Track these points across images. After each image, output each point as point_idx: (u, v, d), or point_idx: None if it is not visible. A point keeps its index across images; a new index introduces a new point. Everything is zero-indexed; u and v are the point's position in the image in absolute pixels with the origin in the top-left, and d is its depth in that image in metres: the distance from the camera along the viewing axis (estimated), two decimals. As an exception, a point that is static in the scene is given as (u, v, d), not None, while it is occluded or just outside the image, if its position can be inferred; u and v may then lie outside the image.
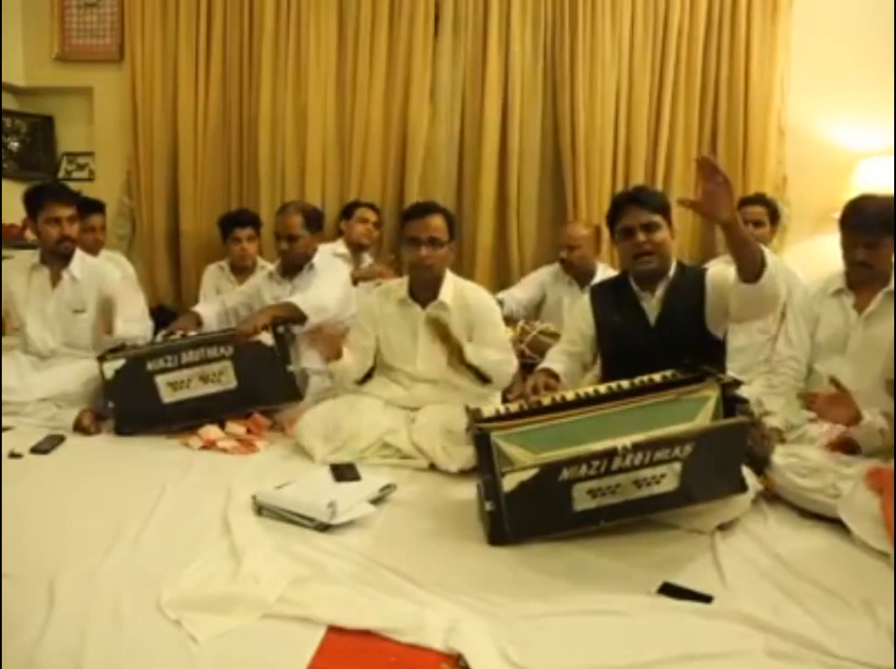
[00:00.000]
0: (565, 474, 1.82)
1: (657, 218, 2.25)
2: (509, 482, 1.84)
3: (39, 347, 3.00)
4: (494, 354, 2.59)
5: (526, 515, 1.88)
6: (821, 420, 2.21)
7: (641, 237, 2.24)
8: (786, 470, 2.10)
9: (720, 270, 2.37)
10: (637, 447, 1.80)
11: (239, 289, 3.33)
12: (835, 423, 2.13)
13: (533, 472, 1.83)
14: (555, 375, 2.30)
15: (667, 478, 1.83)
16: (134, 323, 3.00)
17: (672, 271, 2.31)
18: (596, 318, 2.42)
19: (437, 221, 2.59)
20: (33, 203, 2.94)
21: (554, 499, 1.85)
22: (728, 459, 1.89)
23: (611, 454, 1.80)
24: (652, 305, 2.31)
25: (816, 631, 1.50)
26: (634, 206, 2.26)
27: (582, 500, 1.85)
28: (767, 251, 2.09)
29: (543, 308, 3.64)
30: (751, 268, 1.98)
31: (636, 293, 2.34)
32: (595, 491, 1.84)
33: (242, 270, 3.66)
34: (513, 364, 2.67)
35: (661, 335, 2.27)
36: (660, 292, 2.30)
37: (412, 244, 2.59)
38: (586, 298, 2.50)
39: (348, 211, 3.82)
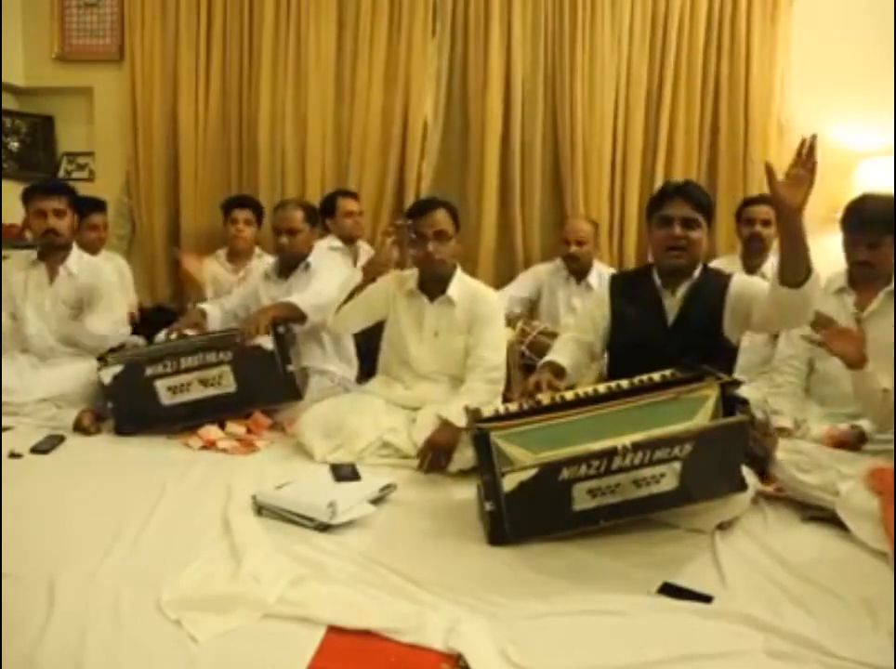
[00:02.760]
0: (565, 474, 1.82)
1: (698, 216, 2.22)
2: (509, 482, 1.84)
3: (37, 344, 2.99)
4: (470, 398, 2.44)
5: (526, 515, 1.87)
6: (827, 350, 2.10)
7: (678, 230, 2.20)
8: (788, 465, 2.11)
9: (746, 278, 2.36)
10: (637, 447, 1.80)
11: (235, 291, 3.32)
12: (840, 356, 2.06)
13: (532, 472, 1.83)
14: (560, 370, 2.28)
15: (667, 478, 1.83)
16: (107, 325, 3.01)
17: (697, 273, 2.28)
18: (613, 308, 2.39)
19: (442, 215, 2.59)
20: (26, 198, 2.98)
21: (554, 499, 1.85)
22: (727, 458, 1.89)
23: (610, 454, 1.80)
24: (672, 303, 2.28)
25: (816, 631, 1.50)
26: (679, 198, 2.22)
27: (582, 500, 1.85)
28: None
29: (539, 303, 3.65)
30: (798, 270, 1.92)
31: (658, 289, 2.31)
32: (595, 491, 1.84)
33: (238, 256, 3.65)
34: (495, 379, 2.60)
35: (677, 336, 2.23)
36: (682, 291, 2.27)
37: (418, 240, 2.59)
38: (605, 287, 2.46)
39: (328, 206, 3.75)
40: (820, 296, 2.05)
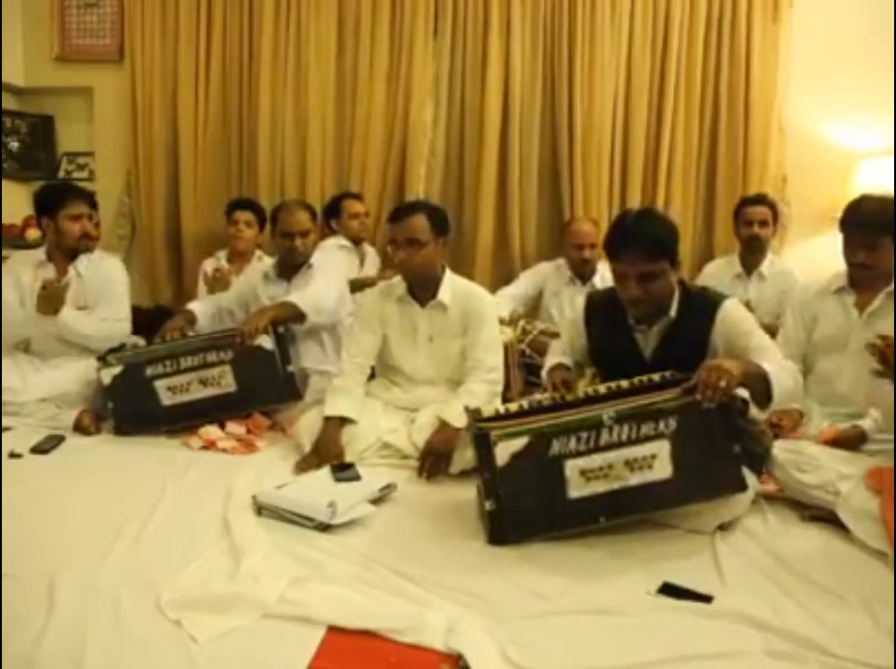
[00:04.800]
0: (555, 447, 1.85)
1: (656, 266, 2.02)
2: (502, 454, 1.86)
3: (43, 345, 2.99)
4: (469, 399, 2.42)
5: (523, 501, 1.88)
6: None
7: (635, 291, 2.03)
8: (787, 465, 2.11)
9: (735, 315, 2.14)
10: (622, 418, 1.84)
11: (233, 289, 3.31)
12: None
13: (524, 440, 1.86)
14: (569, 370, 2.28)
15: (659, 461, 1.85)
16: (103, 323, 2.99)
17: (675, 308, 2.12)
18: (589, 337, 2.31)
19: (417, 222, 2.52)
20: (53, 199, 2.96)
21: (548, 479, 1.86)
22: (719, 447, 1.89)
23: (597, 426, 1.85)
24: (647, 339, 2.17)
25: (816, 631, 1.50)
26: (631, 253, 2.02)
27: (576, 483, 1.86)
28: (773, 367, 1.97)
29: (541, 303, 3.64)
30: (761, 400, 1.98)
31: (630, 325, 2.17)
32: (588, 473, 1.85)
33: (238, 258, 3.65)
34: (493, 380, 2.59)
35: (656, 370, 2.06)
36: (657, 327, 2.15)
37: (392, 247, 2.58)
38: (580, 312, 2.35)
39: (333, 208, 3.75)
40: (794, 395, 2.10)
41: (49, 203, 2.97)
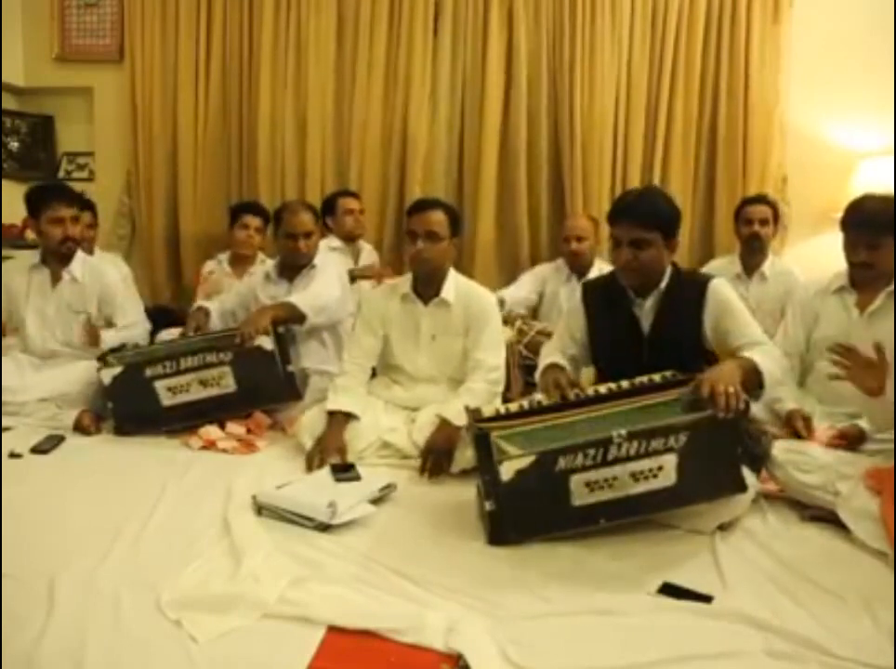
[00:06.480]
0: (561, 463, 1.83)
1: (649, 236, 2.13)
2: (507, 471, 1.84)
3: (38, 348, 2.99)
4: (469, 398, 2.44)
5: (525, 508, 1.87)
6: (848, 379, 2.04)
7: (628, 254, 2.14)
8: (788, 465, 2.11)
9: (723, 296, 2.23)
10: (632, 436, 1.81)
11: (234, 290, 3.30)
12: (858, 385, 2.02)
13: (530, 459, 1.84)
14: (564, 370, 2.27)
15: (664, 472, 1.83)
16: (130, 329, 3.01)
17: (665, 281, 2.22)
18: (588, 320, 2.36)
19: (437, 216, 2.56)
20: (36, 203, 2.93)
21: (552, 491, 1.85)
22: (724, 452, 1.89)
23: (606, 443, 1.81)
24: (644, 312, 2.24)
25: (816, 631, 1.50)
26: (626, 220, 2.15)
27: (580, 494, 1.85)
28: (763, 359, 2.08)
29: (540, 303, 3.64)
30: (754, 390, 2.10)
31: (629, 298, 2.26)
32: (592, 484, 1.84)
33: (240, 261, 3.63)
34: (494, 380, 2.60)
35: (655, 345, 2.19)
36: (651, 301, 2.24)
37: (410, 238, 2.59)
38: (578, 298, 2.42)
39: (329, 205, 3.75)
40: (781, 380, 2.23)
41: (33, 206, 2.94)
